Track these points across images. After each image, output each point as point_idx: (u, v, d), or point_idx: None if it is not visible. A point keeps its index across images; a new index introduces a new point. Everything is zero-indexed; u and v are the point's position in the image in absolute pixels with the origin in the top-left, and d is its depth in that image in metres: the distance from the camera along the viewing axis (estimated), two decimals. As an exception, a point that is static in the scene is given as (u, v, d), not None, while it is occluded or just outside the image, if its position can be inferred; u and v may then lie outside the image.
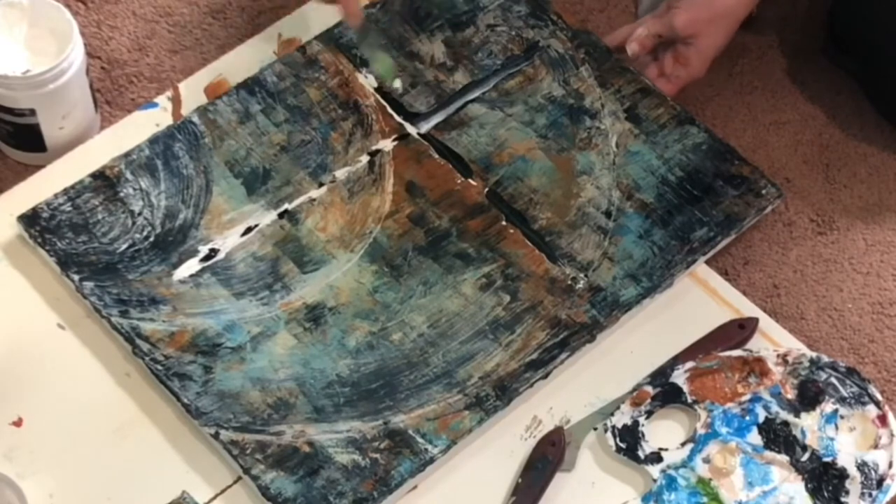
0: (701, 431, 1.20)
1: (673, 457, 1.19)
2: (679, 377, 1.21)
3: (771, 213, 1.33)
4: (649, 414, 1.21)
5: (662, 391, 1.21)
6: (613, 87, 1.37)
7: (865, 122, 1.40)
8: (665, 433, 1.21)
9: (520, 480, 1.18)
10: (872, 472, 1.17)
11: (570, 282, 1.26)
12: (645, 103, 1.36)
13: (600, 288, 1.26)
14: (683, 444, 1.20)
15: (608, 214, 1.30)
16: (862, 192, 1.38)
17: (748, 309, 1.28)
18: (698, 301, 1.28)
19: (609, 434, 1.19)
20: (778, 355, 1.22)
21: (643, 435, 1.20)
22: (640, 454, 1.19)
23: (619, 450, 1.19)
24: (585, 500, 1.19)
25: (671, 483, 1.17)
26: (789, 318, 1.29)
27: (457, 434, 1.19)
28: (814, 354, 1.22)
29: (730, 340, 1.24)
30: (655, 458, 1.19)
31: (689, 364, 1.22)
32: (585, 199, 1.31)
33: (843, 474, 1.17)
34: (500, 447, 1.21)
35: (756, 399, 1.21)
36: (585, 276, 1.27)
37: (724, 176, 1.32)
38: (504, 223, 1.29)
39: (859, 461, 1.18)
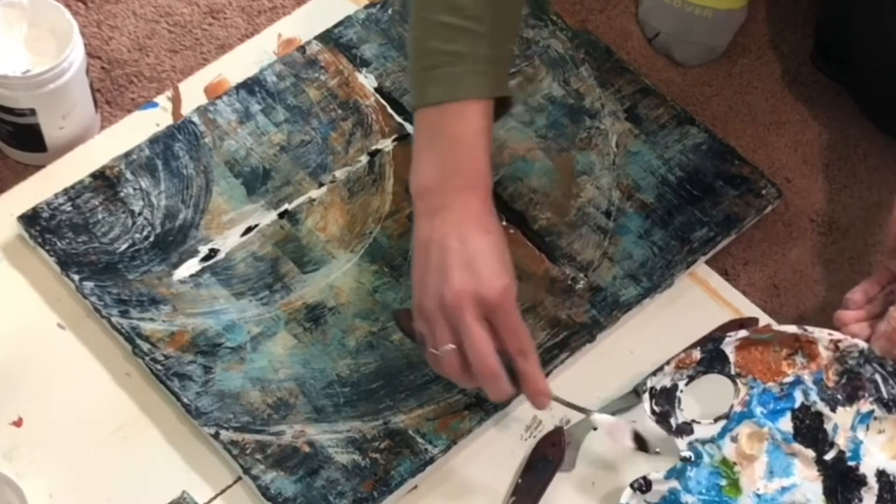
0: (737, 409, 1.18)
1: (704, 431, 1.17)
2: (728, 345, 1.19)
3: (771, 213, 1.33)
4: (690, 379, 1.19)
5: (709, 357, 1.19)
6: (613, 87, 1.37)
7: (865, 122, 1.39)
8: (700, 407, 1.19)
9: (520, 480, 1.18)
10: (891, 486, 1.16)
11: (570, 282, 1.26)
12: (645, 103, 1.36)
13: (600, 288, 1.26)
14: (716, 420, 1.18)
15: (608, 214, 1.30)
16: (862, 192, 1.38)
17: (748, 309, 1.28)
18: (698, 301, 1.28)
19: (646, 396, 1.17)
20: (831, 340, 1.19)
21: (679, 401, 1.18)
22: (673, 423, 1.17)
23: (653, 413, 1.17)
24: (585, 500, 1.19)
25: (697, 456, 1.16)
26: (789, 318, 1.29)
27: (457, 434, 1.19)
28: (865, 346, 1.19)
29: (730, 340, 1.24)
30: (687, 429, 1.17)
31: (742, 333, 1.20)
32: (585, 199, 1.31)
33: (862, 481, 1.16)
34: (500, 447, 1.21)
35: (797, 382, 1.19)
36: (585, 276, 1.27)
37: (724, 176, 1.32)
38: (504, 223, 1.29)
39: (880, 470, 1.17)
